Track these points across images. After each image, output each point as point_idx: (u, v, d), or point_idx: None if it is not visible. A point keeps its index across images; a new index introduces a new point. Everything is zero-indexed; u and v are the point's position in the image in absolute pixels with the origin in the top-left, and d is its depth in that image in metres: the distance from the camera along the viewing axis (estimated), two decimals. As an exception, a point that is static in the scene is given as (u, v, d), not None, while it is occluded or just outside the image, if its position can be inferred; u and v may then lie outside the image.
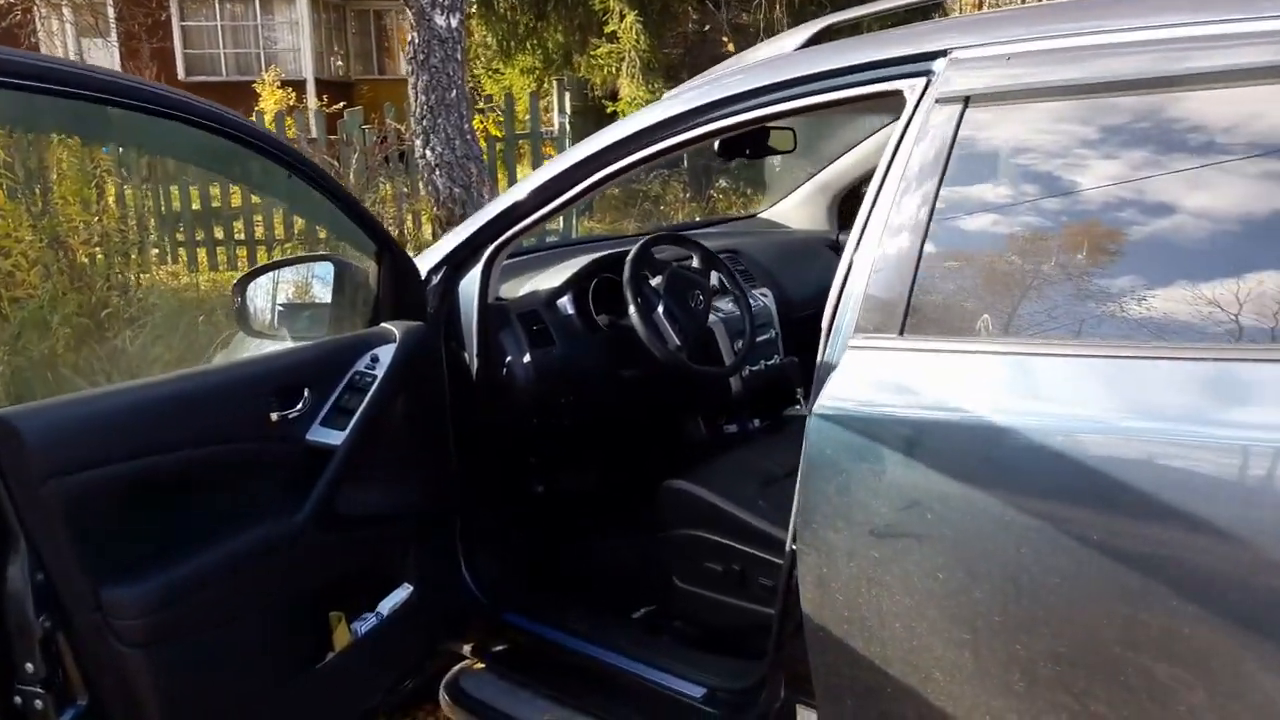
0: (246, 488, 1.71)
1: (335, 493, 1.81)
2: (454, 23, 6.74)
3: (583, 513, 2.67)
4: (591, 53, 8.97)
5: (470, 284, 2.23)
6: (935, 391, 1.48)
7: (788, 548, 1.77)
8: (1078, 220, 1.45)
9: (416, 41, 6.64)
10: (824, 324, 1.65)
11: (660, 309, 2.34)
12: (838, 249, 3.21)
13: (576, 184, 2.06)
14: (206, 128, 1.66)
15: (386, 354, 1.92)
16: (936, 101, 1.56)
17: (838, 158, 3.27)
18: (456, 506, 2.25)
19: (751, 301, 2.66)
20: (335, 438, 1.81)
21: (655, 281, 2.39)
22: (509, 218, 2.17)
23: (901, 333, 1.53)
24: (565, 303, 2.40)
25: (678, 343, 2.34)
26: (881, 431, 1.50)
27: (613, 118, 9.13)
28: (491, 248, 2.20)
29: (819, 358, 1.65)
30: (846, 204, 3.32)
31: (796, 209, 3.40)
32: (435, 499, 2.18)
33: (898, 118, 3.01)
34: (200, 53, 17.51)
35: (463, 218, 7.59)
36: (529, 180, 2.15)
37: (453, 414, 2.22)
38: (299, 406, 1.77)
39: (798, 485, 1.60)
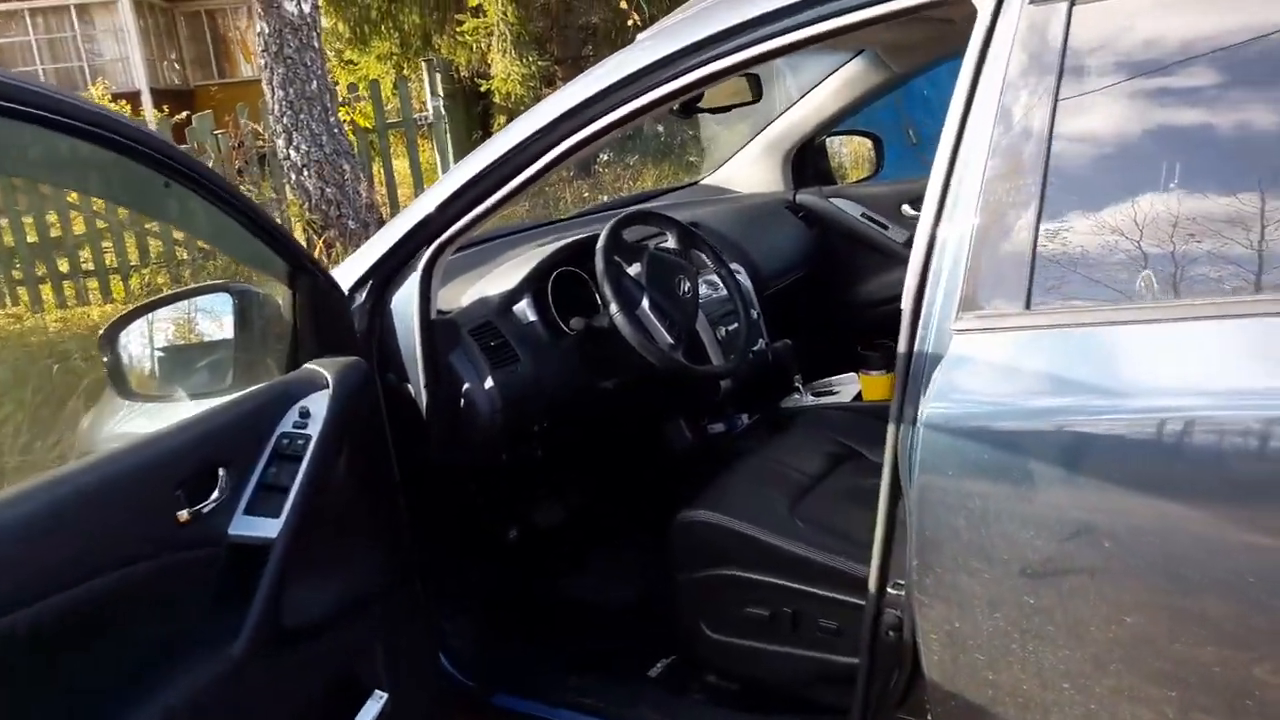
0: (159, 620, 1.24)
1: (278, 602, 1.35)
2: (306, 8, 6.10)
3: (568, 556, 2.25)
4: (457, 30, 8.39)
5: (406, 299, 1.77)
6: (1090, 376, 1.13)
7: (872, 586, 1.41)
8: (1254, 136, 1.10)
9: (266, 31, 5.98)
10: (906, 307, 1.28)
11: (646, 303, 1.92)
12: (797, 210, 2.86)
13: (540, 156, 1.62)
14: (53, 124, 1.15)
15: (319, 405, 1.46)
16: (1030, 2, 1.20)
17: (785, 110, 2.91)
18: (419, 577, 1.80)
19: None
20: (268, 528, 1.35)
21: (634, 270, 1.98)
22: (450, 211, 1.71)
23: (1028, 305, 1.16)
24: (524, 308, 1.96)
25: (670, 341, 1.93)
26: (1026, 437, 1.14)
27: (487, 97, 8.59)
28: (430, 250, 1.74)
29: (905, 349, 1.27)
30: (800, 160, 2.96)
31: (744, 171, 3.03)
32: (398, 576, 1.72)
33: (856, 54, 2.68)
34: (15, 71, 15.94)
35: (339, 220, 7.02)
36: (472, 160, 1.70)
37: (400, 464, 1.77)
38: (214, 495, 1.30)
39: (911, 520, 1.23)
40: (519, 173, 1.64)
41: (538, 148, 1.63)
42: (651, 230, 2.21)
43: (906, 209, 2.85)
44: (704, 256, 2.18)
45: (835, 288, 2.91)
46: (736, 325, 2.19)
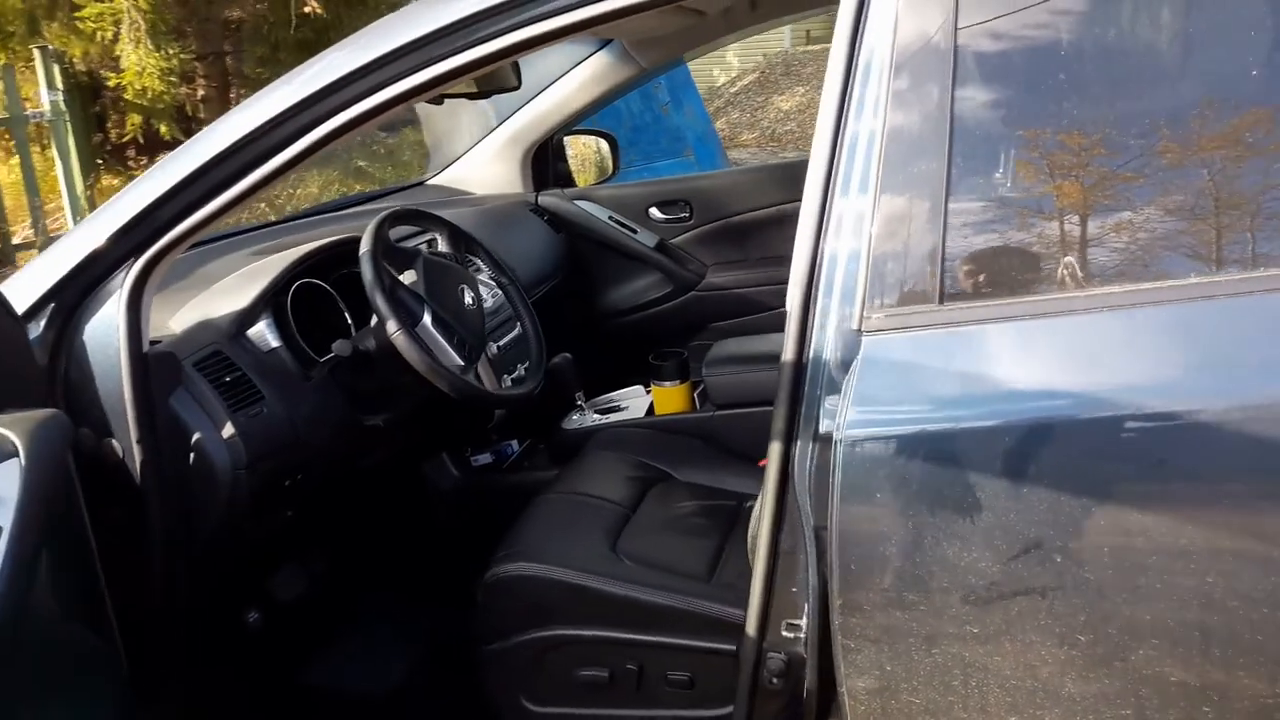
0: None
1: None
2: None
3: (321, 635, 1.86)
4: (76, 15, 7.21)
5: (105, 328, 1.33)
6: (1030, 373, 1.01)
7: (750, 628, 1.23)
8: (1179, 99, 1.04)
9: None
10: (791, 311, 1.11)
11: (428, 318, 1.60)
12: (541, 213, 2.64)
13: (287, 145, 1.27)
14: None
15: (7, 481, 1.02)
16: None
17: (523, 105, 2.67)
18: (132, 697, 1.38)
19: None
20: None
21: (409, 279, 1.64)
22: (167, 211, 1.30)
23: (941, 300, 1.03)
24: (263, 331, 1.56)
25: (460, 362, 1.62)
26: (967, 443, 1.00)
27: (118, 91, 7.47)
28: (141, 264, 1.32)
29: (793, 357, 1.10)
30: (539, 159, 2.73)
31: (478, 170, 2.74)
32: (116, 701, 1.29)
33: (601, 46, 2.50)
34: None
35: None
36: (195, 148, 1.30)
37: (100, 549, 1.34)
38: None
39: (832, 553, 1.05)
40: (259, 164, 1.27)
41: (283, 133, 1.27)
42: (410, 231, 1.88)
43: (654, 212, 2.73)
44: (479, 262, 1.89)
45: (588, 295, 2.72)
46: (514, 339, 1.92)
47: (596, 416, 2.08)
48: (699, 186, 2.74)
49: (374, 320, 1.63)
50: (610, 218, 2.70)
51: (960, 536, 1.01)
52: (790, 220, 2.64)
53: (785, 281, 2.71)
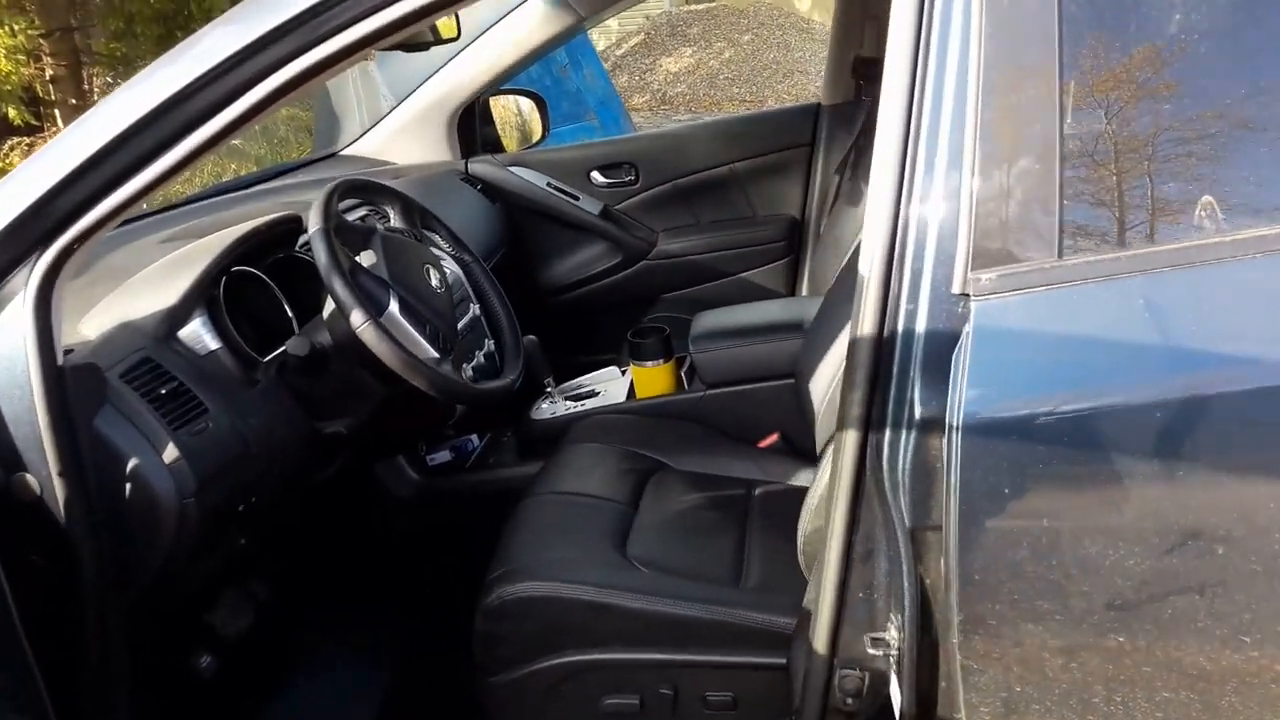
0: None
1: None
2: None
3: (289, 674, 1.62)
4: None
5: (4, 339, 1.06)
6: (1178, 334, 0.86)
7: (819, 644, 1.08)
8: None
9: None
10: (870, 275, 0.94)
11: (394, 305, 1.36)
12: (473, 182, 2.40)
13: (218, 109, 1.02)
14: None
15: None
16: None
17: (444, 65, 2.41)
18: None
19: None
20: None
21: (368, 261, 1.40)
22: (76, 193, 1.04)
23: (1060, 253, 0.88)
24: (198, 331, 1.30)
25: (435, 353, 1.39)
26: (1109, 424, 0.86)
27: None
28: (49, 258, 1.05)
29: (871, 331, 0.94)
30: (465, 124, 2.48)
31: (396, 138, 2.47)
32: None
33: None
34: None
35: None
36: (107, 110, 1.04)
37: (20, 607, 1.09)
38: None
39: (950, 561, 0.89)
40: (181, 137, 1.02)
41: (211, 95, 1.02)
42: (352, 204, 1.63)
43: (596, 176, 2.52)
44: (438, 238, 1.65)
45: (530, 269, 2.50)
46: (470, 322, 1.69)
47: (570, 404, 1.87)
48: (643, 147, 2.55)
49: (327, 310, 1.39)
50: (549, 184, 2.48)
51: (1105, 532, 0.86)
52: (746, 179, 2.52)
53: (744, 245, 2.57)
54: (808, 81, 10.16)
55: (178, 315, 1.28)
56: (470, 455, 1.93)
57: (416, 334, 1.37)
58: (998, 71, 0.89)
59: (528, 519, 1.49)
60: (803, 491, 1.62)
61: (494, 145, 2.61)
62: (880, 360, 0.96)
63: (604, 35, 12.69)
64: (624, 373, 1.95)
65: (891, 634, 1.01)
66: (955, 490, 0.88)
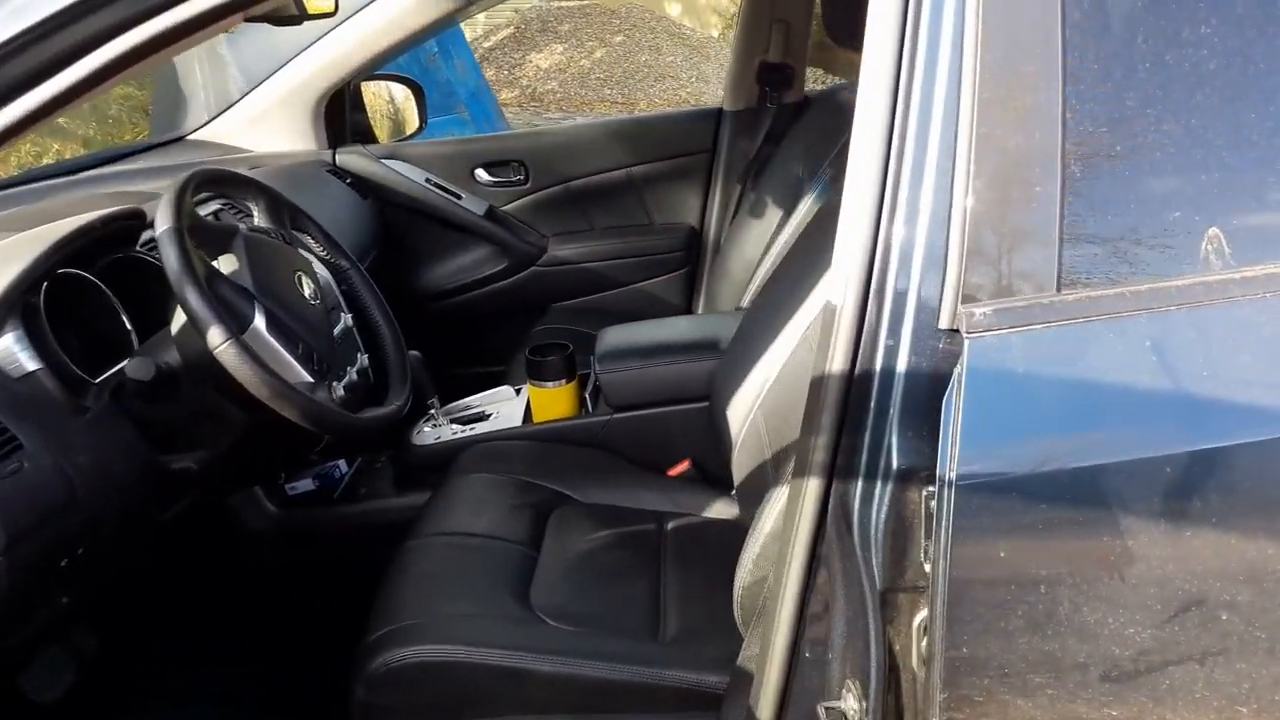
0: None
1: None
2: None
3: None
4: None
5: None
6: (1190, 380, 0.77)
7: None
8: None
9: None
10: (841, 308, 0.82)
11: (260, 321, 1.15)
12: (342, 175, 2.19)
13: (50, 74, 0.81)
14: None
15: None
16: None
17: (312, 44, 2.17)
18: None
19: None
20: None
21: (228, 267, 1.18)
22: None
23: (1059, 287, 0.78)
24: (13, 346, 1.06)
25: (309, 378, 1.19)
26: (1115, 481, 0.76)
27: None
28: None
29: (840, 370, 0.82)
30: (333, 111, 2.25)
31: (254, 124, 2.22)
32: None
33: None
34: None
35: None
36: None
37: None
38: None
39: (936, 631, 0.78)
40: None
41: (30, 62, 0.81)
42: (209, 196, 1.41)
43: (481, 173, 2.34)
44: (309, 239, 1.44)
45: (406, 273, 2.29)
46: (341, 334, 1.49)
47: (456, 428, 1.69)
48: (535, 145, 2.38)
49: (177, 324, 1.17)
50: (428, 180, 2.28)
51: (1105, 598, 0.77)
52: (644, 184, 2.38)
53: (640, 254, 2.44)
54: (679, 87, 10.14)
55: None
56: (338, 484, 1.72)
57: (287, 354, 1.16)
58: (994, 80, 0.78)
59: (413, 566, 1.31)
60: (717, 525, 1.50)
61: (365, 135, 2.39)
62: (850, 401, 0.84)
63: (470, 27, 12.34)
64: (519, 392, 1.77)
65: (850, 704, 0.89)
66: (945, 552, 0.77)
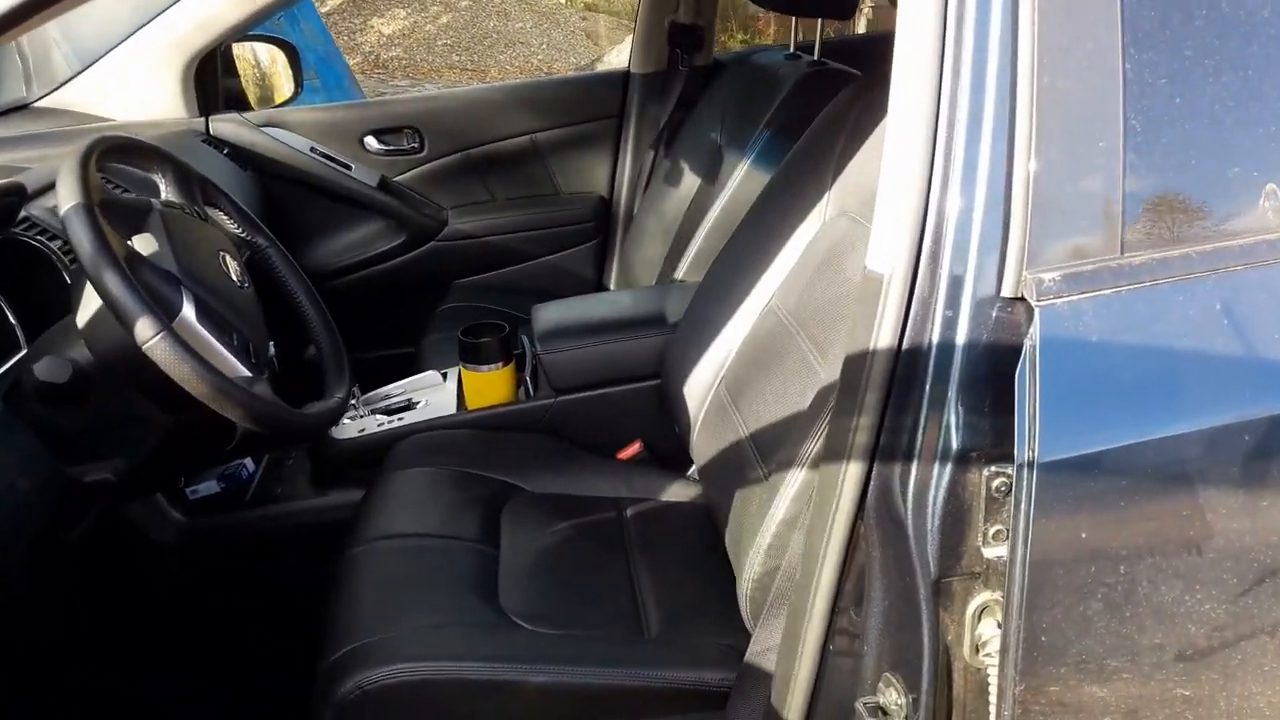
0: None
1: None
2: None
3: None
4: None
5: None
6: (1255, 339, 0.75)
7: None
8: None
9: None
10: (890, 274, 0.76)
11: (189, 309, 0.99)
12: (219, 145, 1.99)
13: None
14: None
15: None
16: None
17: (171, 4, 1.95)
18: None
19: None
20: None
21: (147, 247, 1.01)
22: None
23: (1122, 249, 0.74)
24: None
25: (247, 373, 1.03)
26: (1193, 451, 0.73)
27: None
28: None
29: (888, 344, 0.77)
30: (207, 73, 2.03)
31: (118, 88, 1.97)
32: None
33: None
34: None
35: None
36: None
37: None
38: None
39: (1015, 619, 0.73)
40: None
41: None
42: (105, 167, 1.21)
43: (371, 142, 2.16)
44: (221, 215, 1.26)
45: (293, 250, 2.09)
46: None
47: (381, 418, 1.54)
48: (429, 109, 2.21)
49: (84, 316, 1.00)
50: (313, 149, 2.09)
51: (1183, 575, 0.74)
52: (548, 152, 2.26)
53: (547, 226, 2.33)
54: (530, 53, 9.91)
55: None
56: (247, 485, 1.55)
57: (220, 346, 1.01)
58: (1055, 27, 0.73)
59: (363, 575, 1.18)
60: (677, 508, 1.43)
61: (238, 101, 2.17)
62: (896, 378, 0.78)
63: (305, -9, 11.68)
64: (445, 377, 1.64)
65: (892, 698, 0.84)
66: (1026, 537, 0.72)
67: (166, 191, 1.19)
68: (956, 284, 0.74)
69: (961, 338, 0.75)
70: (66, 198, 0.92)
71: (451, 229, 2.19)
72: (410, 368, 1.85)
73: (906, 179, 0.76)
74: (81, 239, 0.91)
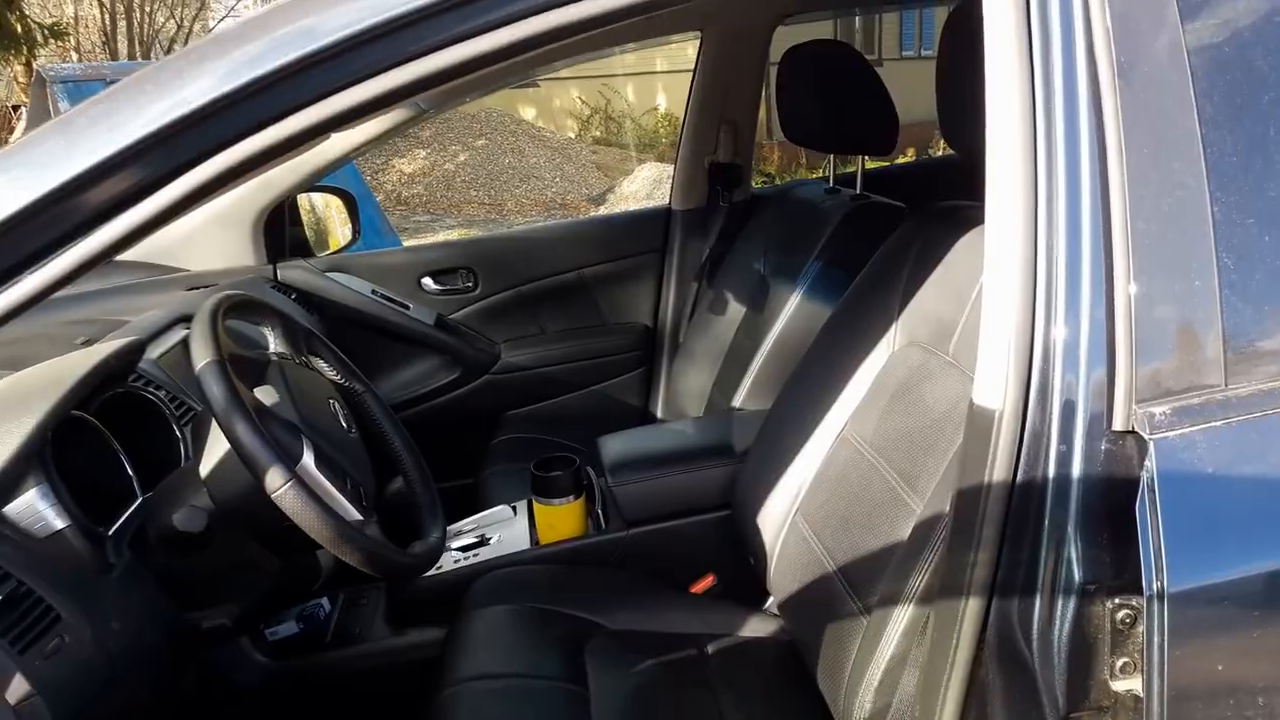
0: None
1: None
2: None
3: None
4: None
5: None
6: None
7: None
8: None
9: None
10: (1001, 410, 0.80)
11: (309, 457, 1.02)
12: (286, 290, 2.08)
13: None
14: None
15: None
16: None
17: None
18: None
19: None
20: None
21: (269, 399, 1.05)
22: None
23: (1226, 381, 0.78)
24: (35, 503, 0.91)
25: (359, 515, 1.06)
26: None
27: None
28: None
29: (1001, 478, 0.80)
30: (276, 222, 2.13)
31: (190, 239, 2.06)
32: None
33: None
34: None
35: None
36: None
37: None
38: None
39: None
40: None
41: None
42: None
43: (428, 282, 2.25)
44: (322, 364, 1.31)
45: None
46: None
47: (456, 555, 1.56)
48: (482, 251, 2.31)
49: (207, 466, 1.04)
50: (374, 292, 2.18)
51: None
52: (595, 285, 2.34)
53: (594, 356, 2.38)
54: (544, 186, 10.26)
55: (4, 484, 0.89)
56: (326, 626, 1.55)
57: (336, 492, 1.04)
58: (1142, 179, 0.78)
59: (462, 717, 1.18)
60: (757, 644, 1.42)
61: (302, 248, 2.27)
62: (1012, 513, 0.80)
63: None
64: (515, 511, 1.67)
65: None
66: (1161, 670, 0.73)
67: (275, 343, 1.24)
68: (1068, 418, 0.78)
69: (1077, 471, 0.78)
70: (201, 355, 0.98)
71: (504, 362, 2.25)
72: (470, 500, 1.87)
73: (1010, 313, 0.80)
74: (215, 393, 0.95)
